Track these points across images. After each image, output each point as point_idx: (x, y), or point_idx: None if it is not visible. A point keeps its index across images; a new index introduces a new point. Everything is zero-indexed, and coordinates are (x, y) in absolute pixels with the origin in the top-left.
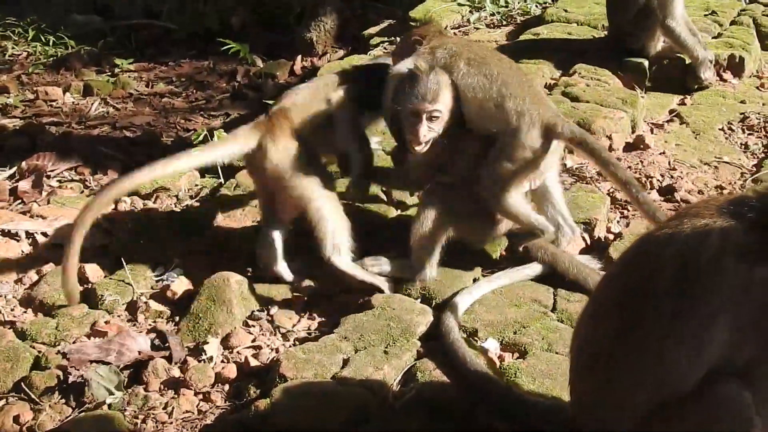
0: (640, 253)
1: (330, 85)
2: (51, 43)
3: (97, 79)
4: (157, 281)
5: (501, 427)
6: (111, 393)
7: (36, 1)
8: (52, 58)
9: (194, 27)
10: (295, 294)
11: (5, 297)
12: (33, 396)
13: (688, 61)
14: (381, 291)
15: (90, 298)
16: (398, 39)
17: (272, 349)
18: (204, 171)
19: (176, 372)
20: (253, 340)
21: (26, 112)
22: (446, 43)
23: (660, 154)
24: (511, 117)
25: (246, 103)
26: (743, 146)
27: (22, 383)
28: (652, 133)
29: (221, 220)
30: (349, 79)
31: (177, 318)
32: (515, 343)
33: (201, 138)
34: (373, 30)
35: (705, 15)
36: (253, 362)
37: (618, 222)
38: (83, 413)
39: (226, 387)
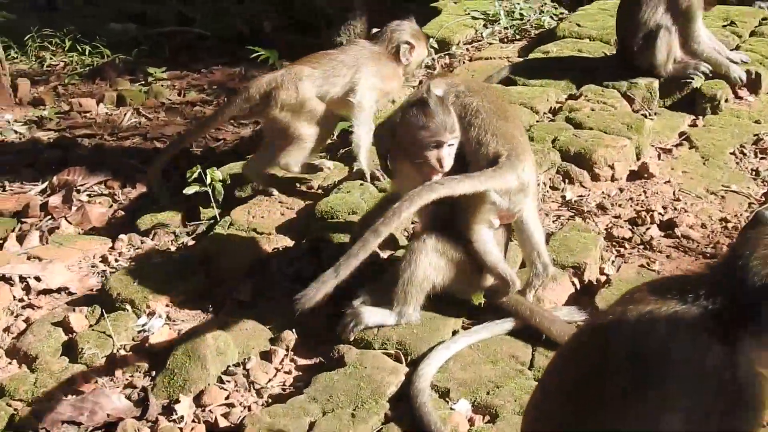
0: (585, 344)
1: None
2: (87, 53)
3: (131, 89)
4: (139, 331)
5: None
6: None
7: (73, 11)
8: (88, 68)
9: (226, 32)
10: (272, 347)
11: None
12: None
13: (698, 84)
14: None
15: (71, 350)
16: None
17: (244, 407)
18: (202, 205)
19: None
20: (227, 397)
21: (60, 124)
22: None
23: (665, 182)
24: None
25: None
26: (754, 172)
27: None
28: (659, 158)
29: (213, 261)
30: None
31: (153, 373)
32: (487, 405)
33: (195, 176)
34: None
35: (723, 26)
36: (223, 422)
37: (613, 263)
38: None
39: None
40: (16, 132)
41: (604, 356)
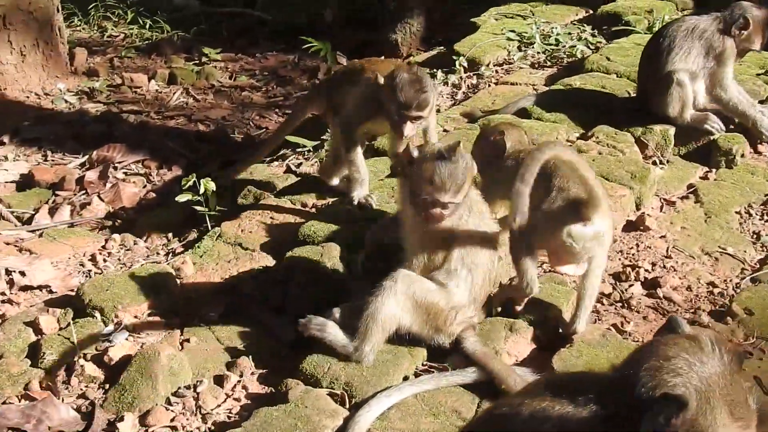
0: None
1: None
2: (147, 27)
3: (183, 67)
4: (103, 341)
5: None
6: None
7: None
8: (146, 42)
9: (286, 18)
10: (226, 373)
11: None
12: None
13: (716, 136)
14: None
15: (35, 353)
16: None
17: None
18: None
19: None
20: (172, 420)
21: (110, 97)
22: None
23: (660, 237)
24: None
25: None
26: (755, 235)
27: None
28: (661, 210)
29: (191, 275)
30: None
31: (107, 386)
32: None
33: (190, 184)
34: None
35: (758, 75)
36: None
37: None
38: None
39: None
40: (66, 102)
41: None
